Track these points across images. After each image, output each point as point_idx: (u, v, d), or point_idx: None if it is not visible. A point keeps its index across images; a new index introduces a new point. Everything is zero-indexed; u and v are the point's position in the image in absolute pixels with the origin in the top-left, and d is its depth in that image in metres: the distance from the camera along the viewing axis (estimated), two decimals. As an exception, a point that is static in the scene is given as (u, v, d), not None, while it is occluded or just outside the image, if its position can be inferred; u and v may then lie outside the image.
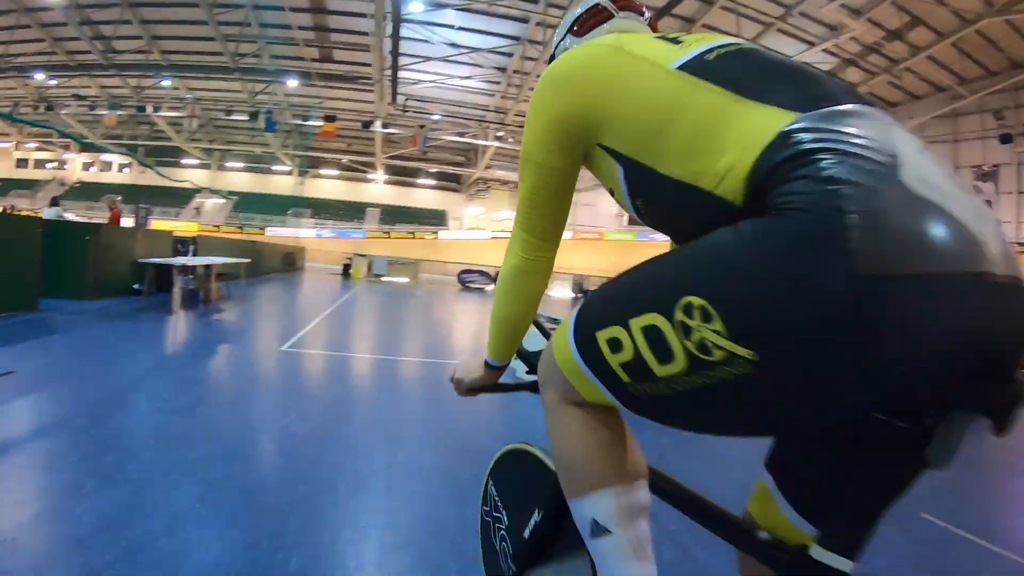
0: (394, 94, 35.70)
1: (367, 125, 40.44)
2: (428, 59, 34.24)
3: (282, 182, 55.72)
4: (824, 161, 0.87)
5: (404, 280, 33.30)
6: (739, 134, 1.00)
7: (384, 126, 41.77)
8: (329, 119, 39.36)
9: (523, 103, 36.74)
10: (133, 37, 34.89)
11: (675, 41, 1.22)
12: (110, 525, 2.73)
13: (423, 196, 56.09)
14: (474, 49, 33.29)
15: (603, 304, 1.22)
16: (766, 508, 1.33)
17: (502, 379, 1.75)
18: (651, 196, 1.19)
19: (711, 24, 29.57)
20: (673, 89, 1.11)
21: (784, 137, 0.93)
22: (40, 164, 56.31)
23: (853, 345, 0.84)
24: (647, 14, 1.64)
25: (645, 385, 1.08)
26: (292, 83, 37.53)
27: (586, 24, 1.62)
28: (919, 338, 0.82)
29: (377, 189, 55.63)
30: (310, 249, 39.48)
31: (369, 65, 34.19)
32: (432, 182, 56.05)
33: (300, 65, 36.59)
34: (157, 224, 46.47)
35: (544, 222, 1.46)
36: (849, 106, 0.97)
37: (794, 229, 0.86)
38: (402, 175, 55.09)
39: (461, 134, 43.11)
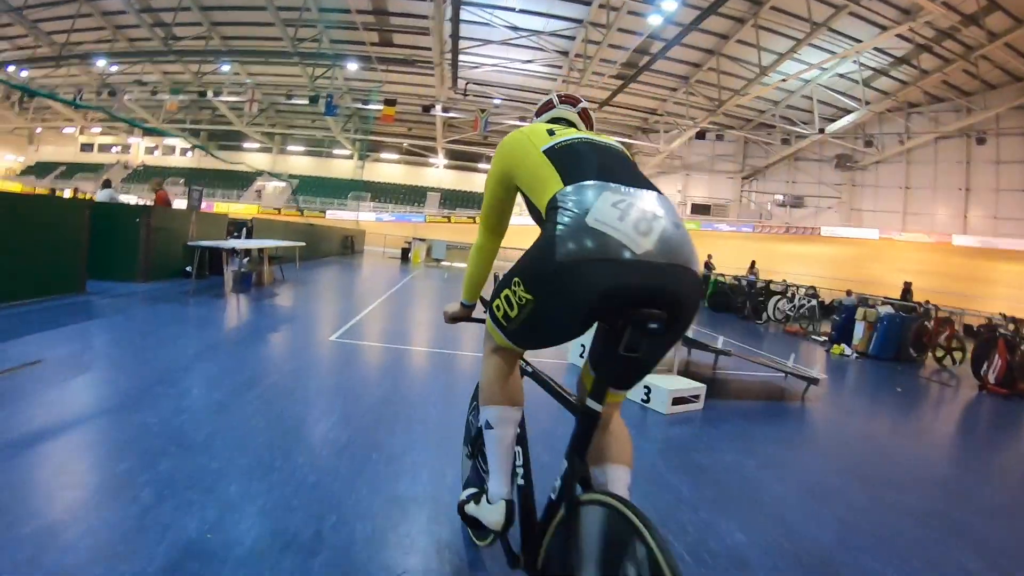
0: (454, 78, 35.50)
1: (427, 109, 40.34)
2: (488, 42, 33.83)
3: (342, 166, 56.06)
4: (560, 211, 1.80)
5: (464, 265, 32.75)
6: (549, 189, 1.92)
7: (444, 110, 41.69)
8: (389, 103, 39.28)
9: (586, 88, 36.17)
10: (193, 23, 35.44)
11: (551, 133, 2.14)
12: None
13: (484, 181, 55.00)
14: (535, 32, 32.75)
15: (495, 288, 2.10)
16: (585, 372, 2.15)
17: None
18: (532, 212, 2.10)
19: (781, 7, 28.59)
20: (539, 163, 2.03)
21: (556, 195, 1.87)
22: (104, 148, 57.80)
23: (561, 291, 1.75)
24: (580, 105, 2.63)
25: (512, 325, 1.99)
26: (352, 67, 37.55)
27: (540, 111, 2.69)
28: (583, 286, 1.70)
29: (437, 173, 55.52)
30: (370, 233, 39.43)
31: (429, 49, 34.07)
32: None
33: (359, 49, 36.58)
34: (219, 207, 47.80)
35: (492, 223, 2.44)
36: (589, 182, 1.85)
37: (544, 238, 1.82)
38: (463, 160, 54.89)
39: (523, 118, 42.58)
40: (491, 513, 2.21)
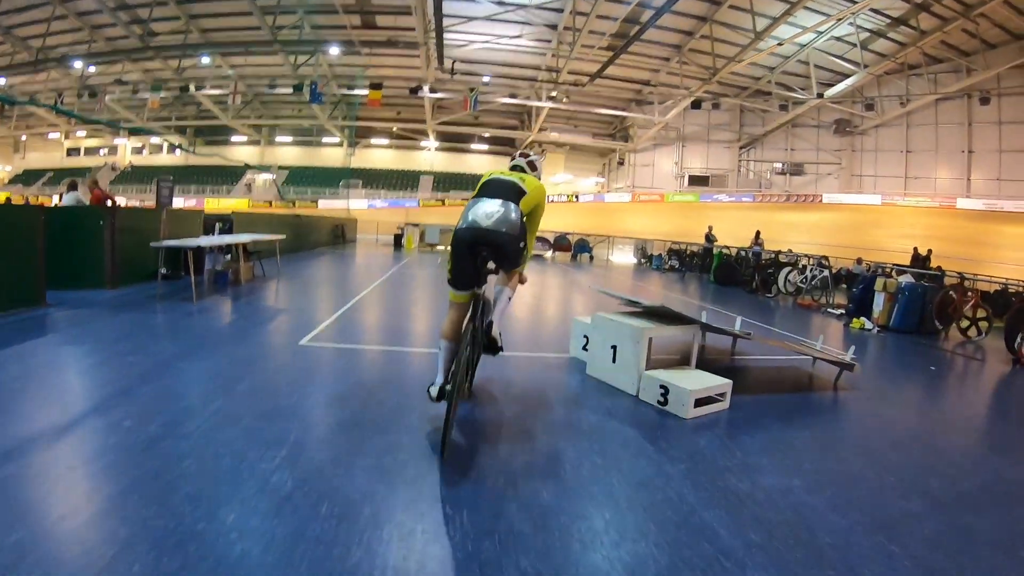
0: (440, 57, 34.52)
1: (415, 91, 39.52)
2: (473, 19, 32.83)
3: (332, 154, 55.03)
4: (466, 211, 4.43)
5: (460, 249, 32.19)
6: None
7: (432, 91, 40.87)
8: (375, 87, 38.44)
9: (576, 61, 35.31)
10: (170, 18, 34.49)
11: (492, 175, 4.80)
12: None
13: (477, 161, 54.70)
14: (521, 5, 31.76)
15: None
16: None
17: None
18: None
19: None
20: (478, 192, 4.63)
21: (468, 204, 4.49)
22: (91, 151, 56.80)
23: (457, 243, 4.36)
24: (529, 158, 5.06)
25: (450, 275, 4.53)
26: (334, 52, 36.51)
27: (511, 158, 5.23)
28: (459, 239, 4.34)
29: (429, 156, 54.49)
30: (362, 220, 38.68)
31: (413, 29, 33.16)
32: (485, 147, 54.66)
33: (341, 34, 35.61)
34: (209, 203, 47.05)
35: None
36: (482, 198, 4.45)
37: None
38: (454, 141, 53.94)
39: (513, 96, 41.71)
40: (434, 389, 4.37)
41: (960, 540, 3.37)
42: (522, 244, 4.36)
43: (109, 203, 12.06)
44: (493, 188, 4.48)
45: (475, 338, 4.57)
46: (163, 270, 11.23)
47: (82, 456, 3.59)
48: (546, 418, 4.95)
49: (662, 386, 5.33)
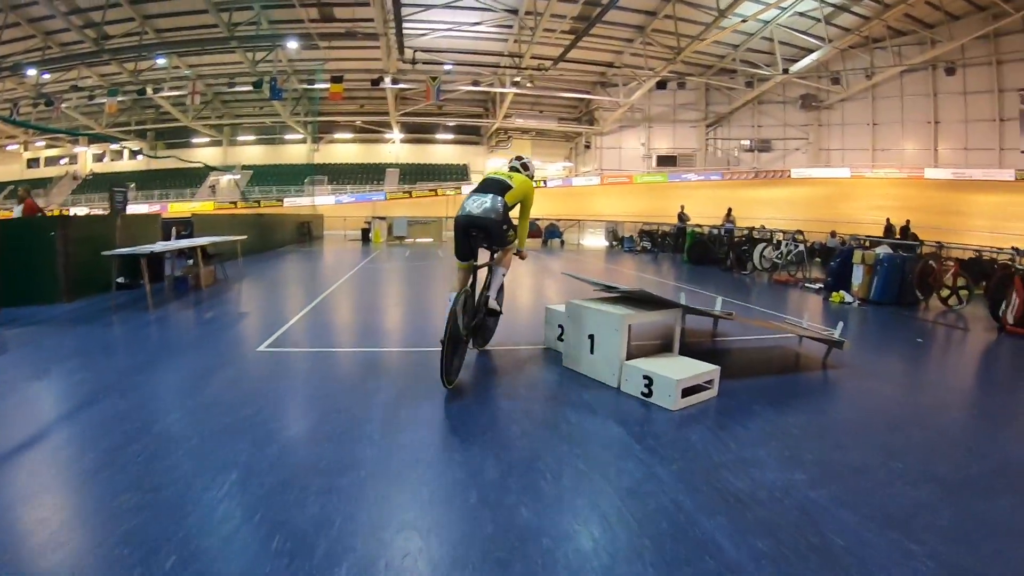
0: (401, 47, 33.92)
1: (376, 83, 38.87)
2: (432, 7, 32.21)
3: (296, 151, 53.88)
4: (464, 202, 5.76)
5: (427, 240, 31.92)
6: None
7: (395, 82, 40.23)
8: (336, 80, 37.76)
9: (538, 45, 34.84)
10: (124, 20, 33.38)
11: (490, 175, 6.22)
12: None
13: (442, 151, 53.88)
14: (482, -10, 31.26)
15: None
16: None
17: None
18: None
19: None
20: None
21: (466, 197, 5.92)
22: (52, 161, 55.32)
23: (456, 227, 5.71)
24: (522, 161, 6.50)
25: (455, 251, 5.80)
26: (292, 46, 35.63)
27: (510, 161, 6.71)
28: (457, 223, 5.70)
29: (394, 149, 53.52)
30: (330, 216, 37.95)
31: (371, 20, 32.40)
32: (451, 136, 53.84)
33: (299, 27, 34.74)
34: (173, 207, 46.08)
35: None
36: (477, 191, 5.80)
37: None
38: (419, 132, 52.97)
39: (476, 83, 41.11)
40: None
41: (979, 531, 3.08)
42: (505, 226, 5.68)
43: (41, 214, 11.53)
44: (486, 184, 5.92)
45: (475, 301, 6.06)
46: (120, 279, 10.77)
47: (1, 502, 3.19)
48: (521, 420, 4.57)
49: (646, 376, 4.99)
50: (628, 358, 5.35)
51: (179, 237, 13.12)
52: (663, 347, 6.02)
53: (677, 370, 5.01)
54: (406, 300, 11.72)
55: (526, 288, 13.25)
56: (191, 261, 12.10)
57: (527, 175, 6.21)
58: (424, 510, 3.15)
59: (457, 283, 5.82)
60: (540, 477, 3.54)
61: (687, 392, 4.89)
